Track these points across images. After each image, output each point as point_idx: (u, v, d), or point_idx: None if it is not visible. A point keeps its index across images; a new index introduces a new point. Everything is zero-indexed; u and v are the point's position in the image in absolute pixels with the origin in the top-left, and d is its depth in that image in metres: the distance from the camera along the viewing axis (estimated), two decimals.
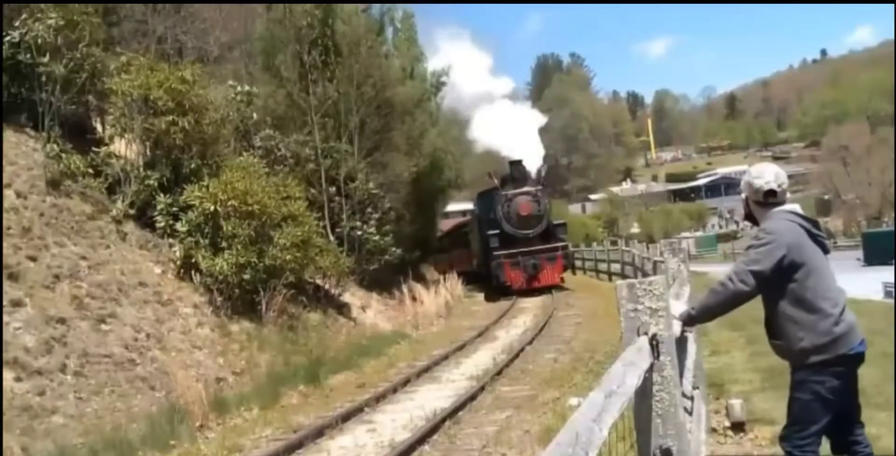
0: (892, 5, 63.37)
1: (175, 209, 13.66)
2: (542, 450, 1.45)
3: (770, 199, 3.82)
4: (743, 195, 3.99)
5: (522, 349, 13.58)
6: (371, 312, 20.38)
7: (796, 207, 3.87)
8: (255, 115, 19.27)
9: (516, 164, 27.75)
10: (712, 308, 3.74)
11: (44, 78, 12.45)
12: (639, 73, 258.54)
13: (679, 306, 3.71)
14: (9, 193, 10.94)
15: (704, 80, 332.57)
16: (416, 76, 31.63)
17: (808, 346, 3.65)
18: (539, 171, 29.29)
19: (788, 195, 3.91)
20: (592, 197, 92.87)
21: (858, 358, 3.73)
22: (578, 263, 33.53)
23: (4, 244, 10.01)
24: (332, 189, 21.52)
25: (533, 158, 28.89)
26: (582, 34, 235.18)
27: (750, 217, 4.00)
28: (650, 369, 2.36)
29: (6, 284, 9.56)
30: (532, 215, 26.43)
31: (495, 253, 25.84)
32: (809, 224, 3.77)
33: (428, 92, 32.36)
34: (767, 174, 3.85)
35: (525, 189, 26.94)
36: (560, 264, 26.35)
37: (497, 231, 26.47)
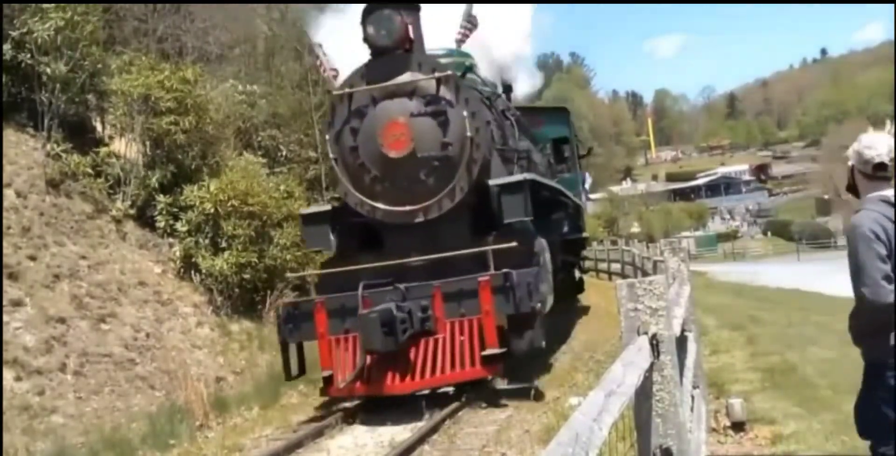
0: (892, 5, 63.36)
1: (175, 209, 13.66)
2: (542, 449, 1.45)
3: (879, 172, 3.54)
4: (850, 163, 3.66)
5: None
6: None
7: (892, 195, 3.53)
8: (257, 115, 19.24)
9: (374, 13, 8.39)
10: (861, 328, 3.53)
11: (44, 77, 12.45)
12: (639, 73, 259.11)
13: None
14: (9, 193, 10.94)
15: (704, 80, 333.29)
16: None
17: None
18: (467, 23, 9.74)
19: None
20: (592, 196, 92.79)
21: None
22: None
23: (4, 244, 10.01)
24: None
25: None
26: (582, 33, 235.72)
27: (852, 188, 3.71)
28: (650, 369, 2.36)
29: (6, 283, 9.56)
30: (416, 158, 8.33)
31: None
32: None
33: None
34: (880, 146, 3.53)
35: (401, 79, 8.46)
36: (490, 317, 7.89)
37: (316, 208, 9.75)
